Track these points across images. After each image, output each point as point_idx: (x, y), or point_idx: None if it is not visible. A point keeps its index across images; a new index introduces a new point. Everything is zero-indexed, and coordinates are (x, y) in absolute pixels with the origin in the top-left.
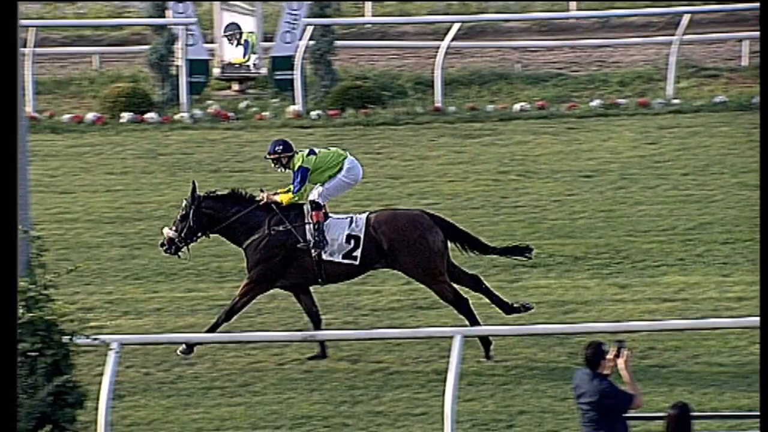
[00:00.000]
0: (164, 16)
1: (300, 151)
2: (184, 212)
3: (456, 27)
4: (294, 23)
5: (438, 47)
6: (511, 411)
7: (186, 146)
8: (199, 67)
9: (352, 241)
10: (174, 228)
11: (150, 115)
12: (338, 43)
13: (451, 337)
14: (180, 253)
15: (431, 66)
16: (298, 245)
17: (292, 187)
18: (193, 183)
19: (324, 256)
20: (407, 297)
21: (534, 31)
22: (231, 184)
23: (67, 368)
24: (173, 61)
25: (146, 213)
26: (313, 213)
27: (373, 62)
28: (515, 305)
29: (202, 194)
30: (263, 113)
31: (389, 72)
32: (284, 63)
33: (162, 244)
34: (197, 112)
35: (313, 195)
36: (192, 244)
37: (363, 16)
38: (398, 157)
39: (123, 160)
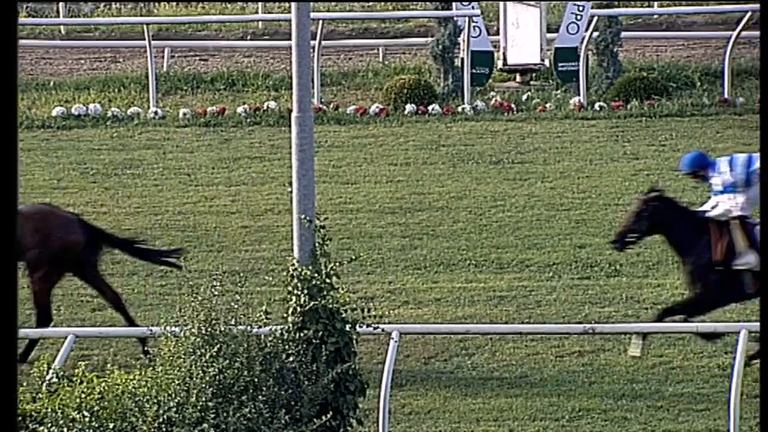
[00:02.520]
0: (449, 8)
1: None
2: None
3: (747, 15)
4: (579, 14)
5: (728, 37)
6: None
7: (467, 138)
8: (482, 59)
9: None
10: None
11: (433, 107)
12: (624, 34)
13: (736, 332)
14: None
15: (720, 56)
16: None
17: None
18: None
19: None
20: None
21: None
22: (512, 176)
23: (348, 356)
24: (457, 53)
25: (427, 204)
26: None
27: (659, 53)
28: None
29: None
30: (546, 105)
31: (676, 63)
32: (568, 54)
33: None
34: (479, 103)
35: None
36: None
37: (650, 6)
38: (683, 150)
39: (405, 151)
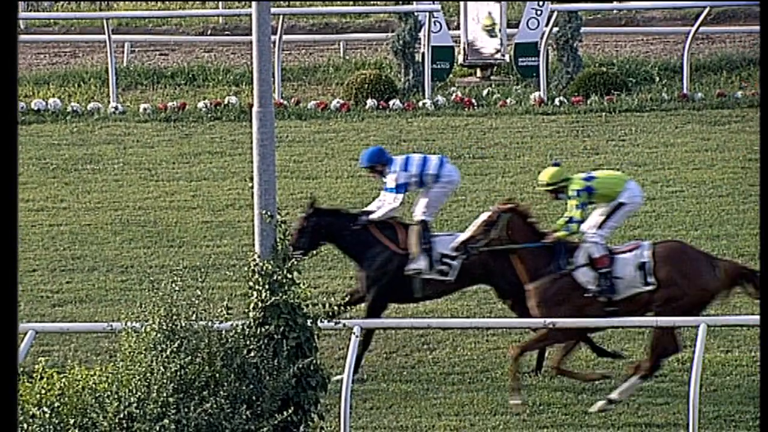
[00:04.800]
0: (409, 3)
1: None
2: None
3: (706, 11)
4: (539, 9)
5: (686, 33)
6: (758, 402)
7: (428, 133)
8: (443, 53)
9: None
10: None
11: (393, 102)
12: (584, 29)
13: (696, 326)
14: None
15: (679, 52)
16: None
17: None
18: None
19: None
20: None
21: None
22: (472, 171)
23: (310, 351)
24: (417, 48)
25: None
26: None
27: (618, 48)
28: None
29: None
30: (506, 100)
31: (635, 58)
32: (528, 49)
33: None
34: (440, 98)
35: None
36: None
37: (610, 1)
38: (643, 144)
39: (366, 146)
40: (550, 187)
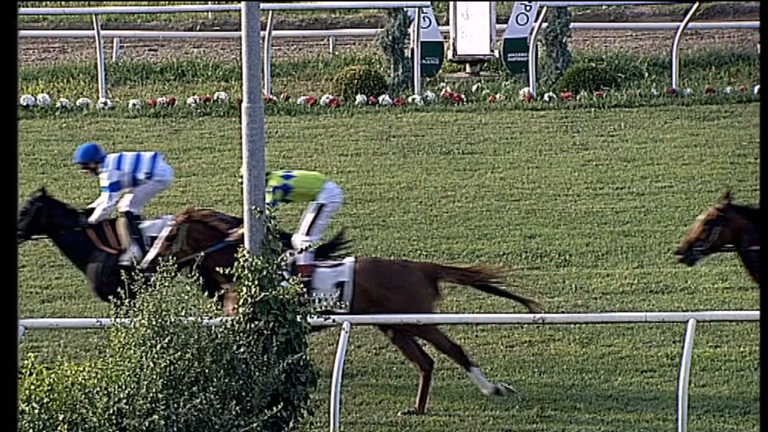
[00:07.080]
0: None
1: None
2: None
3: (695, 7)
4: (528, 5)
5: (675, 28)
6: (747, 398)
7: (418, 128)
8: (432, 49)
9: None
10: None
11: (383, 97)
12: (573, 24)
13: (685, 322)
14: None
15: (668, 47)
16: None
17: None
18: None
19: None
20: (639, 281)
21: None
22: (462, 166)
23: (299, 347)
24: (407, 43)
25: (378, 194)
26: None
27: (607, 44)
28: None
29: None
30: (495, 95)
31: (624, 54)
32: (517, 45)
33: None
34: (429, 94)
35: None
36: None
37: None
38: (632, 140)
39: (356, 142)
40: None
